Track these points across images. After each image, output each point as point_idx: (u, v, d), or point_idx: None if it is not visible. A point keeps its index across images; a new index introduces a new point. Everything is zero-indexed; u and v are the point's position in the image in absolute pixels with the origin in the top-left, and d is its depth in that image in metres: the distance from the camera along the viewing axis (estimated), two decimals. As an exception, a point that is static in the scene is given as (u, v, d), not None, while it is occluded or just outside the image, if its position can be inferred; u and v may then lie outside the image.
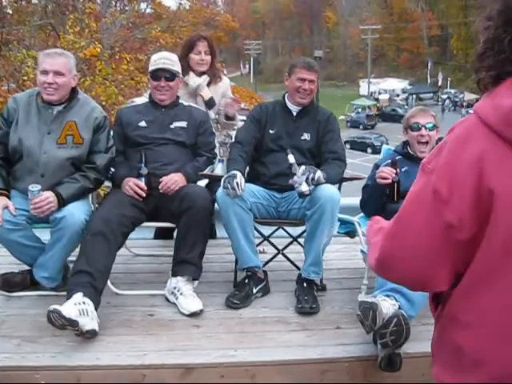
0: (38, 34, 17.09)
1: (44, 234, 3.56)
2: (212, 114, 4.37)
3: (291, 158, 3.46)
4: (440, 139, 3.65)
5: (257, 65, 68.78)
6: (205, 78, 4.37)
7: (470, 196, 1.41)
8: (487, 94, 1.56)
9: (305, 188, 3.30)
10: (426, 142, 3.57)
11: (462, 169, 1.41)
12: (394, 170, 3.41)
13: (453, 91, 54.78)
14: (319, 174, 3.35)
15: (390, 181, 3.39)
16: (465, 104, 49.57)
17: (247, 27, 76.67)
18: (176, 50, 19.50)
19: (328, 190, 3.38)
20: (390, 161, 3.53)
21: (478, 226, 1.41)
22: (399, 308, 2.81)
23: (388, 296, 2.86)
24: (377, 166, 3.69)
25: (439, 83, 59.86)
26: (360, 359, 2.95)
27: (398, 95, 59.37)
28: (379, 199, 3.51)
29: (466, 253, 1.44)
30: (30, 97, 3.59)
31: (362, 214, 3.76)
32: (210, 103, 4.33)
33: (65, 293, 3.43)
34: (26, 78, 11.54)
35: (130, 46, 16.97)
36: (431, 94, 57.78)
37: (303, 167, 3.37)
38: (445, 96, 54.82)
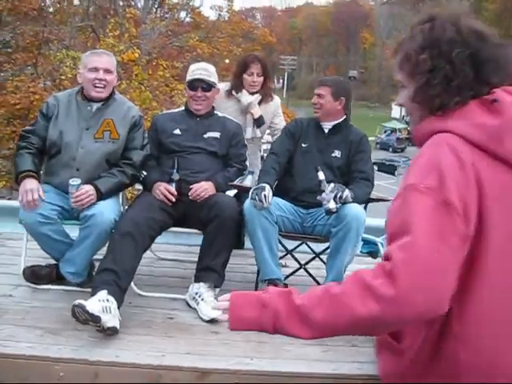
0: (78, 35, 17.44)
1: (72, 231, 3.67)
2: (258, 132, 4.55)
3: (321, 175, 3.53)
4: None
5: (291, 80, 69.00)
6: (257, 97, 4.48)
7: (475, 206, 1.48)
8: (450, 115, 1.64)
9: (332, 205, 3.37)
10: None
11: (466, 182, 1.48)
12: None
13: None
14: (347, 192, 3.41)
15: None
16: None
17: (284, 42, 76.99)
18: (212, 59, 19.74)
19: (355, 209, 3.44)
20: None
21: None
22: None
23: None
24: None
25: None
26: (374, 378, 2.97)
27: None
28: None
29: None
30: (70, 96, 3.75)
31: (385, 236, 3.81)
32: (259, 121, 4.48)
33: (89, 289, 3.52)
34: (63, 77, 11.76)
35: (167, 54, 17.24)
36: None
37: (332, 185, 3.44)
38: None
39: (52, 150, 3.64)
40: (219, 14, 22.00)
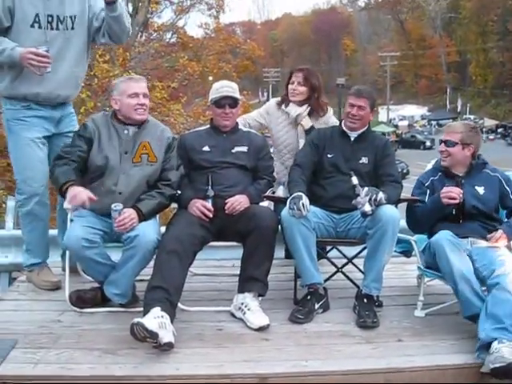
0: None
1: (112, 254, 3.78)
2: None
3: (355, 180, 3.66)
4: (478, 159, 3.86)
5: (275, 92, 69.25)
6: (305, 108, 4.55)
7: None
8: None
9: (368, 208, 3.49)
10: (446, 157, 3.86)
11: None
12: (461, 191, 3.62)
13: (472, 117, 54.68)
14: (381, 195, 3.54)
15: (457, 201, 3.61)
16: (485, 130, 49.50)
17: (266, 55, 77.40)
18: (203, 77, 19.88)
19: (389, 210, 3.57)
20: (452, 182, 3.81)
21: None
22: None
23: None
24: (421, 183, 3.93)
25: (458, 109, 59.95)
26: (426, 369, 3.10)
27: (416, 121, 59.50)
28: (436, 218, 3.72)
29: None
30: (106, 118, 3.87)
31: (418, 234, 3.94)
32: (310, 132, 4.45)
33: (133, 309, 3.68)
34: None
35: (158, 75, 17.34)
36: (451, 120, 57.63)
37: (366, 189, 3.57)
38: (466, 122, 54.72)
39: (94, 173, 3.75)
40: (206, 33, 22.22)
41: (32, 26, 3.80)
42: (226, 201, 3.74)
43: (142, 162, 3.77)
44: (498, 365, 2.91)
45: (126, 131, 3.79)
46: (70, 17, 3.92)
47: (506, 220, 3.80)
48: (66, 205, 3.56)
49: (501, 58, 58.94)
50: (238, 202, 3.74)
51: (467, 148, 3.82)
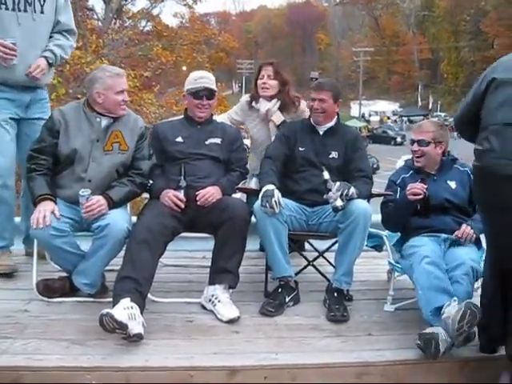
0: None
1: (82, 243, 3.73)
2: None
3: (326, 175, 3.66)
4: (448, 155, 3.89)
5: (249, 84, 69.14)
6: (275, 103, 4.44)
7: None
8: None
9: (339, 203, 3.50)
10: (419, 156, 3.87)
11: None
12: (425, 186, 3.64)
13: (443, 114, 55.33)
14: (353, 190, 3.54)
15: (422, 196, 3.62)
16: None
17: (240, 46, 77.15)
18: (176, 67, 19.77)
19: (361, 204, 3.58)
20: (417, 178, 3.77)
21: None
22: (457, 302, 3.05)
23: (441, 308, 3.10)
24: (392, 182, 3.95)
25: (430, 106, 60.58)
26: (394, 363, 3.12)
27: (388, 117, 59.97)
28: (406, 215, 3.73)
29: None
30: (77, 108, 3.81)
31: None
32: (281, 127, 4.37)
33: (102, 299, 3.64)
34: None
35: (131, 63, 17.18)
36: (422, 117, 58.23)
37: (338, 183, 3.56)
38: (435, 119, 55.34)
39: (65, 162, 3.70)
40: (181, 22, 22.11)
41: None
42: (198, 192, 3.71)
43: (114, 150, 3.73)
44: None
45: (98, 119, 3.75)
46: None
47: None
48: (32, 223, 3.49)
49: (472, 57, 59.62)
50: (210, 193, 3.71)
51: (439, 146, 3.85)
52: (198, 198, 3.69)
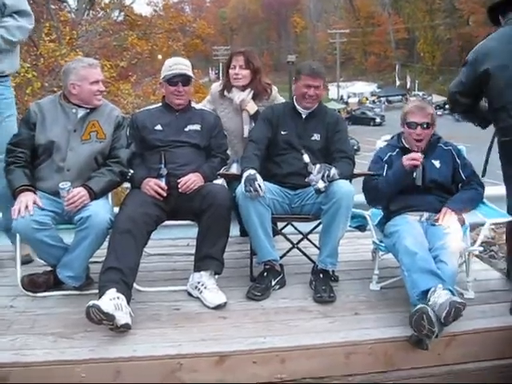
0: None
1: (64, 236, 3.70)
2: None
3: (306, 158, 3.66)
4: (434, 135, 3.90)
5: (225, 70, 68.75)
6: (248, 93, 4.38)
7: None
8: None
9: (321, 185, 3.49)
10: (421, 140, 3.83)
11: None
12: (421, 155, 3.70)
13: (421, 93, 55.56)
14: (334, 171, 3.53)
15: (419, 163, 3.67)
16: (433, 106, 50.24)
17: (215, 33, 76.69)
18: (152, 56, 19.63)
19: (343, 185, 3.57)
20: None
21: None
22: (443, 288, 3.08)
23: (427, 292, 3.10)
24: (379, 157, 3.96)
25: (408, 85, 60.78)
26: (382, 341, 3.15)
27: (367, 98, 60.10)
28: (398, 187, 3.77)
29: None
30: (53, 101, 3.81)
31: (372, 209, 3.99)
32: (256, 117, 4.31)
33: (87, 291, 3.63)
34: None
35: (106, 54, 17.04)
36: (400, 97, 58.56)
37: (318, 165, 3.55)
38: (413, 99, 55.57)
39: (43, 154, 3.69)
40: (154, 11, 21.91)
41: None
42: (179, 180, 3.69)
43: (91, 138, 3.73)
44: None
45: (74, 110, 3.74)
46: None
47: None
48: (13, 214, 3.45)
49: (448, 35, 59.87)
50: (192, 180, 3.69)
51: (434, 127, 3.88)
52: (179, 186, 3.67)
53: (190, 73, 3.95)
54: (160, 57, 19.95)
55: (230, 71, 4.43)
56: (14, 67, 4.23)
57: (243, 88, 4.40)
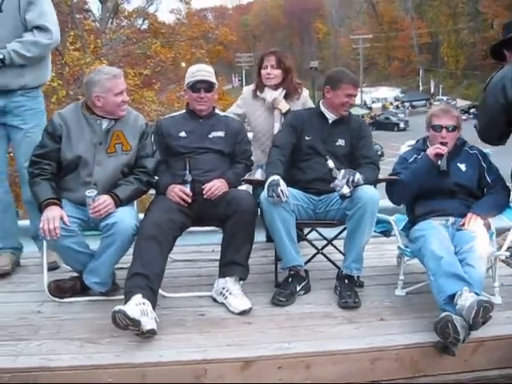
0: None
1: (91, 243, 3.74)
2: None
3: (331, 163, 3.66)
4: (459, 138, 3.88)
5: (248, 77, 69.03)
6: (280, 92, 4.48)
7: None
8: None
9: (346, 190, 3.49)
10: (447, 143, 3.80)
11: None
12: (445, 148, 3.72)
13: (445, 98, 55.11)
14: (358, 176, 3.53)
15: (444, 152, 3.69)
16: (458, 110, 49.77)
17: (238, 40, 76.89)
18: (176, 64, 19.75)
19: (368, 190, 3.57)
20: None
21: None
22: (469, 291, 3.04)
23: (454, 297, 3.07)
24: (404, 159, 3.98)
25: (431, 90, 60.38)
26: (407, 347, 3.13)
27: (391, 103, 59.82)
28: (423, 179, 3.77)
29: None
30: (76, 111, 3.77)
31: (397, 214, 3.97)
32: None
33: (114, 297, 3.65)
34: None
35: (130, 62, 17.21)
36: (424, 101, 58.19)
37: (343, 171, 3.55)
38: (437, 103, 55.19)
39: (69, 167, 3.69)
40: (178, 19, 22.07)
41: None
42: (204, 186, 3.70)
43: (117, 151, 3.72)
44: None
45: (98, 122, 3.72)
46: None
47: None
48: (41, 233, 3.46)
49: (472, 38, 59.37)
50: (216, 186, 3.71)
51: (459, 130, 3.87)
52: (204, 192, 3.69)
53: (212, 79, 3.96)
54: (183, 64, 20.09)
55: (262, 71, 4.53)
56: (40, 81, 4.22)
57: (275, 87, 4.49)
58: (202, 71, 3.96)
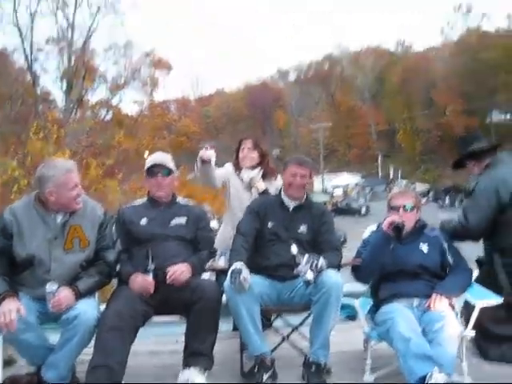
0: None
1: (50, 335, 3.61)
2: None
3: (294, 249, 3.67)
4: (418, 220, 3.95)
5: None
6: (258, 171, 4.71)
7: None
8: None
9: (310, 276, 3.49)
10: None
11: None
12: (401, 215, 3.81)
13: (404, 181, 56.27)
14: (322, 261, 3.55)
15: (400, 220, 3.75)
16: (417, 193, 50.71)
17: (200, 131, 77.88)
18: (138, 154, 19.92)
19: (332, 275, 3.58)
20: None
21: None
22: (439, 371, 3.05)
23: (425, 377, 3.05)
24: (367, 241, 4.03)
25: (391, 175, 61.68)
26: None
27: (352, 189, 60.77)
28: (382, 252, 3.81)
29: None
30: (27, 206, 3.66)
31: (362, 298, 3.96)
32: (264, 194, 4.55)
33: None
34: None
35: (94, 152, 17.31)
36: (384, 186, 59.26)
37: (307, 256, 3.57)
38: (396, 187, 56.15)
39: (23, 265, 3.58)
40: (141, 110, 22.48)
41: None
42: (168, 269, 3.64)
43: (74, 247, 3.63)
44: None
45: (52, 216, 3.63)
46: None
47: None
48: None
49: (426, 125, 61.37)
50: (180, 271, 3.65)
51: (418, 211, 3.95)
52: (168, 276, 3.63)
53: (169, 164, 4.01)
54: (146, 154, 20.29)
55: (240, 154, 4.78)
56: None
57: (252, 169, 4.70)
58: (158, 158, 4.04)
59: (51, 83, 26.57)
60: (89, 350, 3.39)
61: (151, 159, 4.04)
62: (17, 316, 3.30)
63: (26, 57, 23.63)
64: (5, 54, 23.85)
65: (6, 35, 31.19)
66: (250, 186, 4.70)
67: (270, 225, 4.01)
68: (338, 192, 59.76)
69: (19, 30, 23.93)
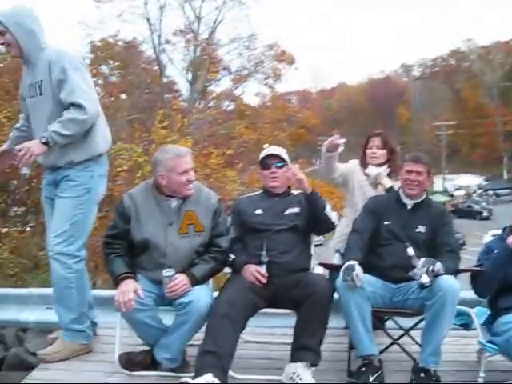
0: (125, 128, 17.96)
1: (164, 317, 3.76)
2: None
3: (410, 251, 3.60)
4: None
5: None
6: (385, 168, 4.63)
7: None
8: None
9: (425, 279, 3.40)
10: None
11: None
12: None
13: (531, 188, 53.54)
14: (438, 266, 3.45)
15: None
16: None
17: (320, 123, 77.59)
18: (258, 145, 20.20)
19: (448, 281, 3.47)
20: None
21: None
22: None
23: None
24: (489, 248, 3.87)
25: (516, 179, 58.80)
26: None
27: (474, 191, 58.53)
28: (501, 269, 3.66)
29: None
30: (146, 192, 3.82)
31: (478, 307, 3.80)
32: (390, 192, 4.43)
33: (184, 374, 3.61)
34: (119, 169, 12.00)
35: (214, 141, 17.72)
36: (508, 190, 56.59)
37: (423, 259, 3.49)
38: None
39: (139, 248, 3.75)
40: (263, 101, 22.73)
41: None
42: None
43: (189, 232, 3.73)
44: None
45: (167, 202, 3.75)
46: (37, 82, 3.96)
47: None
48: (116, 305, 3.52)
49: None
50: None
51: None
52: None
53: (283, 155, 4.04)
54: (266, 146, 20.45)
55: (367, 151, 4.69)
56: (88, 154, 4.03)
57: (379, 166, 4.62)
58: (272, 149, 4.10)
59: (177, 73, 27.71)
60: (199, 335, 3.49)
61: (265, 151, 4.11)
62: (134, 296, 3.48)
63: (154, 48, 24.66)
64: (135, 45, 24.88)
65: (137, 27, 32.50)
66: (375, 182, 4.61)
67: (386, 223, 3.95)
68: (459, 193, 57.73)
69: (149, 22, 24.89)
